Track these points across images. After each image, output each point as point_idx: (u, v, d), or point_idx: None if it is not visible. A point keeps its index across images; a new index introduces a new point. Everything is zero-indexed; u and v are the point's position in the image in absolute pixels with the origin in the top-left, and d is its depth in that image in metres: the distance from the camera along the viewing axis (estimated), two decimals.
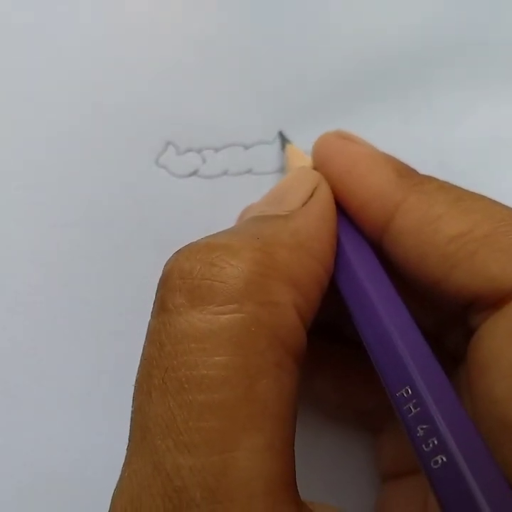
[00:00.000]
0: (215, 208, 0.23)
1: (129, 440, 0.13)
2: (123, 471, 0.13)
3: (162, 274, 0.15)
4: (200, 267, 0.14)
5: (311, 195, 0.17)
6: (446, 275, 0.15)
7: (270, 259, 0.14)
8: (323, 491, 0.22)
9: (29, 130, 0.24)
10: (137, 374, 0.14)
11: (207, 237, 0.15)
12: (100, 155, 0.23)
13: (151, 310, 0.22)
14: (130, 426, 0.13)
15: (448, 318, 0.18)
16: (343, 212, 0.18)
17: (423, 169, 0.23)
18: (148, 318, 0.22)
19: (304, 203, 0.16)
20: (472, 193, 0.16)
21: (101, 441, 0.22)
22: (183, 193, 0.23)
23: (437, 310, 0.17)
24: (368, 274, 0.16)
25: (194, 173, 0.23)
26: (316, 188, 0.17)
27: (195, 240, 0.15)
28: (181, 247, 0.15)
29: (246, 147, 0.24)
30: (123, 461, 0.22)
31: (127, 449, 0.13)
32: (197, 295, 0.13)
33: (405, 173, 0.17)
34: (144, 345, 0.14)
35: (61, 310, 0.22)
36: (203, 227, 0.23)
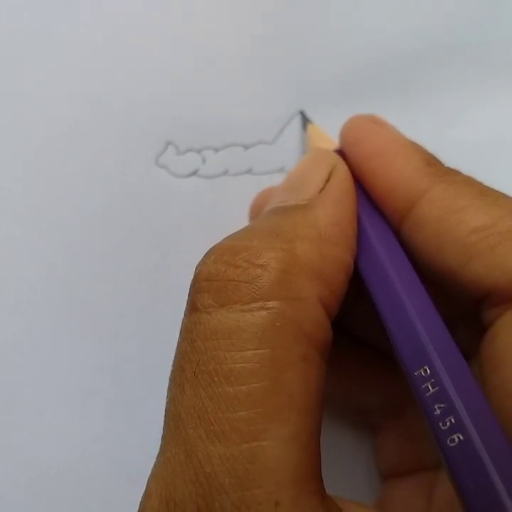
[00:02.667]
0: (215, 208, 0.23)
1: (164, 429, 0.14)
2: (158, 457, 0.14)
3: (194, 276, 0.15)
4: (226, 269, 0.15)
5: (328, 179, 0.17)
6: (464, 266, 0.15)
7: (291, 256, 0.15)
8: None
9: (29, 130, 0.23)
10: (172, 368, 0.15)
11: (230, 237, 0.16)
12: (100, 155, 0.23)
13: (150, 309, 0.23)
14: (164, 415, 0.14)
15: (459, 312, 0.18)
16: (364, 193, 0.18)
17: None
18: (148, 317, 0.23)
19: (322, 189, 0.17)
20: (496, 190, 0.17)
21: (101, 441, 0.22)
22: (183, 193, 0.23)
23: (449, 303, 0.17)
24: (389, 255, 0.16)
25: (194, 173, 0.23)
26: (332, 170, 0.17)
27: (218, 242, 0.16)
28: (209, 249, 0.16)
29: (246, 147, 0.24)
30: (123, 461, 0.22)
31: (162, 437, 0.14)
32: (223, 295, 0.14)
33: (433, 162, 0.17)
34: (178, 342, 0.15)
35: (61, 310, 0.22)
36: (203, 227, 0.23)
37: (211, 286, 0.14)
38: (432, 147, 0.24)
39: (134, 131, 0.24)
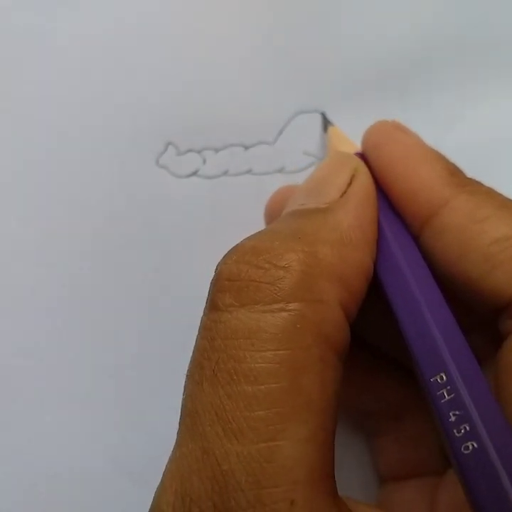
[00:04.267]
0: (216, 208, 0.23)
1: (180, 424, 0.14)
2: (173, 452, 0.14)
3: (214, 276, 0.15)
4: (248, 269, 0.15)
5: (350, 183, 0.17)
6: (485, 275, 0.16)
7: (313, 258, 0.15)
8: None
9: (29, 130, 0.24)
10: (190, 363, 0.15)
11: (252, 237, 0.16)
12: (100, 155, 0.23)
13: (150, 309, 0.23)
14: (181, 411, 0.14)
15: (473, 318, 0.18)
16: (385, 198, 0.18)
17: None
18: (149, 317, 0.23)
19: (343, 192, 0.17)
20: None
21: (101, 441, 0.22)
22: (184, 193, 0.23)
23: (464, 309, 0.17)
24: (408, 260, 0.16)
25: (194, 173, 0.23)
26: (354, 174, 0.17)
27: (241, 241, 0.16)
28: (230, 249, 0.16)
29: (246, 147, 0.24)
30: (123, 461, 0.22)
31: (178, 433, 0.14)
32: (245, 295, 0.14)
33: (456, 172, 0.17)
34: (197, 339, 0.15)
35: (61, 310, 0.22)
36: (204, 227, 0.23)
37: (232, 286, 0.15)
38: (433, 146, 0.24)
39: (135, 131, 0.24)
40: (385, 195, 0.18)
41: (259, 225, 0.22)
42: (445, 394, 0.14)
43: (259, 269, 0.14)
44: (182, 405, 0.14)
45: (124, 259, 0.23)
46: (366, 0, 0.25)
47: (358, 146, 0.20)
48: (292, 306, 0.14)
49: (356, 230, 0.16)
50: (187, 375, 0.15)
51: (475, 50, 0.25)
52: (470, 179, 0.17)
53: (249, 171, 0.23)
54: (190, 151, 0.24)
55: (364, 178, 0.17)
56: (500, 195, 0.17)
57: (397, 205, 0.17)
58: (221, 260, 0.16)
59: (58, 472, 0.21)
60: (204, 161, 0.23)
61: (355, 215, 0.16)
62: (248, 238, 0.16)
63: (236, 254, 0.15)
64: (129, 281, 0.23)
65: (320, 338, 0.14)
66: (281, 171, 0.23)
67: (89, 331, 0.22)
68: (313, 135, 0.24)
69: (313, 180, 0.18)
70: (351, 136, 0.24)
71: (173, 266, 0.23)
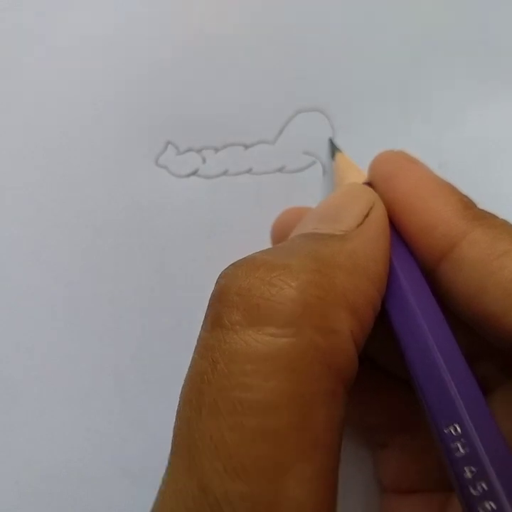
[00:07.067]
0: (215, 208, 0.23)
1: (172, 453, 0.13)
2: (164, 484, 0.13)
3: (217, 289, 0.14)
4: (260, 285, 0.13)
5: (367, 215, 0.16)
6: (506, 311, 0.15)
7: (329, 283, 0.14)
8: None
9: (29, 130, 0.23)
10: (184, 386, 0.13)
11: (265, 252, 0.15)
12: (100, 155, 0.23)
13: (150, 309, 0.23)
14: (174, 439, 0.13)
15: (483, 346, 0.18)
16: (396, 232, 0.17)
17: None
18: (149, 317, 0.22)
19: (360, 223, 0.16)
20: None
21: (101, 441, 0.22)
22: (183, 192, 0.23)
23: (475, 338, 0.17)
24: (419, 300, 0.16)
25: (194, 172, 0.23)
26: (371, 207, 0.17)
27: (250, 254, 0.15)
28: (237, 260, 0.15)
29: (246, 147, 0.24)
30: (123, 460, 0.22)
31: (169, 462, 0.13)
32: (255, 314, 0.13)
33: (470, 205, 0.17)
34: (194, 358, 0.14)
35: (61, 310, 0.22)
36: (203, 226, 0.23)
37: (241, 302, 0.13)
38: (432, 147, 0.24)
39: (134, 131, 0.24)
40: (395, 229, 0.17)
41: (259, 225, 0.22)
42: (459, 447, 0.13)
43: (273, 287, 0.13)
44: (175, 432, 0.13)
45: (124, 258, 0.23)
46: (366, 0, 0.25)
47: (365, 174, 0.19)
48: (306, 332, 0.13)
49: (371, 261, 0.15)
50: (181, 398, 0.13)
51: (475, 50, 0.25)
52: (485, 212, 0.17)
53: (249, 171, 0.23)
54: (189, 150, 0.23)
55: (381, 212, 0.17)
56: None
57: (411, 239, 0.17)
58: (227, 271, 0.14)
59: (57, 472, 0.21)
60: (204, 161, 0.23)
61: (370, 247, 0.16)
62: (261, 252, 0.15)
63: (247, 267, 0.14)
64: (128, 281, 0.23)
65: (330, 369, 0.13)
66: (281, 170, 0.23)
67: (89, 331, 0.22)
68: (313, 134, 0.24)
69: (329, 207, 0.17)
70: (351, 135, 0.24)
71: (172, 266, 0.23)
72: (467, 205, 0.17)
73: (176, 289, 0.23)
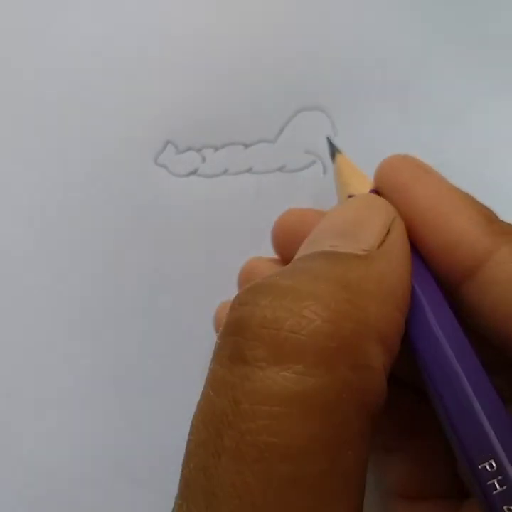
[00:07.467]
0: (215, 207, 0.23)
1: (184, 499, 0.12)
2: None
3: (236, 318, 0.13)
4: (288, 317, 0.12)
5: (388, 232, 0.15)
6: None
7: (362, 315, 0.13)
8: None
9: (28, 129, 0.23)
10: (197, 426, 0.12)
11: (283, 277, 0.13)
12: (99, 154, 0.23)
13: (150, 309, 0.23)
14: (185, 482, 0.12)
15: (501, 359, 0.17)
16: (415, 250, 0.16)
17: None
18: (148, 317, 0.22)
19: (382, 242, 0.15)
20: None
21: (101, 442, 0.22)
22: (183, 192, 0.23)
23: (492, 351, 0.16)
24: (442, 324, 0.15)
25: (194, 172, 0.23)
26: (392, 223, 0.15)
27: (269, 277, 0.13)
28: (256, 284, 0.13)
29: (246, 146, 0.24)
30: (123, 460, 0.22)
31: (180, 507, 0.12)
32: (283, 350, 0.12)
33: (493, 219, 0.16)
34: (208, 395, 0.12)
35: (61, 309, 0.22)
36: (203, 226, 0.23)
37: (268, 336, 0.12)
38: (432, 147, 0.24)
39: (133, 130, 0.23)
40: (413, 245, 0.16)
41: (259, 225, 0.22)
42: (496, 484, 0.12)
43: (303, 319, 0.12)
44: (187, 475, 0.12)
45: (123, 258, 0.23)
46: (367, 0, 0.25)
47: (370, 180, 0.18)
48: (339, 370, 0.12)
49: (398, 286, 0.14)
50: (193, 438, 0.12)
51: (476, 48, 0.25)
52: (509, 225, 0.16)
53: (249, 170, 0.23)
54: (189, 149, 0.23)
55: (402, 229, 0.16)
56: None
57: (431, 256, 0.16)
58: (246, 298, 0.13)
59: (58, 474, 0.21)
60: (203, 160, 0.23)
61: (395, 269, 0.14)
62: (279, 275, 0.13)
63: (270, 294, 0.13)
64: (128, 281, 0.23)
65: (363, 409, 0.12)
66: (281, 169, 0.23)
67: (89, 332, 0.22)
68: (314, 133, 0.24)
69: (346, 222, 0.16)
70: (352, 134, 0.24)
71: (172, 265, 0.23)
72: (490, 218, 0.16)
73: (176, 288, 0.23)
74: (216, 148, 0.23)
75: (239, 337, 0.12)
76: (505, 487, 0.12)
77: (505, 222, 0.16)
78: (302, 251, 0.15)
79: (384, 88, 0.24)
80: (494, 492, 0.12)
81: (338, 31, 0.25)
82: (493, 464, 0.13)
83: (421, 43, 0.25)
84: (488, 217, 0.16)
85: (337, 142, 0.22)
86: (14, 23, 0.24)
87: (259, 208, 0.22)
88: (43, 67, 0.24)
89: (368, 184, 0.18)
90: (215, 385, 0.12)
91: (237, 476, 0.11)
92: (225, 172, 0.23)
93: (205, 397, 0.12)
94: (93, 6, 0.24)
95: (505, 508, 0.12)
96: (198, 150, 0.23)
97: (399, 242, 0.15)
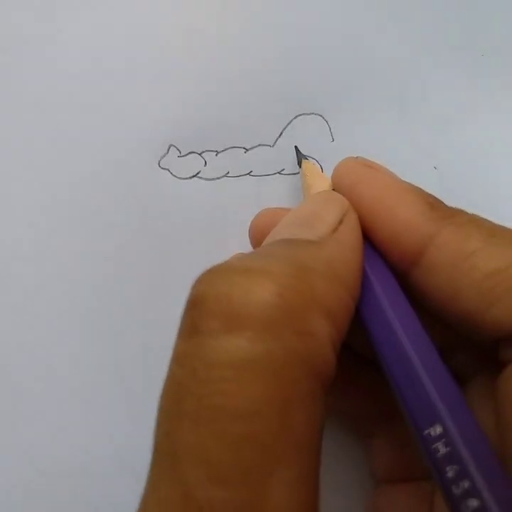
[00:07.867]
0: (216, 209, 0.23)
1: (154, 463, 0.13)
2: (147, 494, 0.13)
3: (194, 295, 0.14)
4: (238, 291, 0.13)
5: (341, 221, 0.16)
6: (483, 311, 0.15)
7: (308, 288, 0.14)
8: None
9: (30, 130, 0.24)
10: (163, 396, 0.13)
11: (242, 258, 0.15)
12: (103, 157, 0.24)
13: (152, 309, 0.23)
14: (154, 448, 0.13)
15: (456, 340, 0.18)
16: (368, 240, 0.17)
17: (419, 172, 0.23)
18: (150, 317, 0.23)
19: (335, 230, 0.16)
20: (503, 227, 0.16)
21: (103, 440, 0.22)
22: (185, 194, 0.23)
23: (446, 331, 0.17)
24: (393, 305, 0.16)
25: (196, 174, 0.24)
26: (344, 214, 0.17)
27: (226, 261, 0.14)
28: (213, 266, 0.14)
29: (246, 149, 0.24)
30: (126, 459, 0.22)
31: (151, 471, 0.13)
32: (233, 320, 0.13)
33: (436, 205, 0.17)
34: (171, 367, 0.13)
35: (62, 310, 0.22)
36: (205, 228, 0.23)
37: (220, 309, 0.13)
38: (428, 150, 0.24)
39: (137, 133, 0.24)
40: (366, 235, 0.17)
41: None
42: (440, 447, 0.13)
43: (252, 293, 0.13)
44: (155, 441, 0.13)
45: (126, 259, 0.23)
46: (366, 3, 0.25)
47: (330, 181, 0.19)
48: (285, 337, 0.13)
49: (346, 267, 0.15)
50: (160, 408, 0.13)
51: (473, 52, 0.25)
52: (452, 209, 0.17)
53: (249, 173, 0.24)
54: (191, 152, 0.24)
55: (354, 218, 0.17)
56: (486, 221, 0.16)
57: (380, 246, 0.17)
58: (203, 278, 0.14)
59: (62, 469, 0.21)
60: (205, 163, 0.24)
61: (345, 254, 0.16)
62: (236, 257, 0.15)
63: (224, 273, 0.14)
64: (130, 282, 0.23)
65: (310, 373, 0.13)
66: (280, 172, 0.24)
67: (92, 329, 0.22)
68: (312, 137, 0.24)
69: (304, 213, 0.17)
70: (350, 138, 0.24)
71: (174, 266, 0.23)
72: (433, 205, 0.17)
73: (178, 289, 0.23)
74: (217, 152, 0.24)
75: (196, 312, 0.13)
76: (449, 449, 0.13)
77: (449, 207, 0.17)
78: (266, 241, 0.17)
79: (381, 92, 0.25)
80: (438, 454, 0.13)
81: (335, 36, 0.25)
82: (438, 429, 0.13)
83: (418, 47, 0.25)
84: (432, 204, 0.17)
85: (335, 146, 0.22)
86: (16, 26, 0.24)
87: (259, 209, 0.23)
88: (45, 70, 0.24)
89: (329, 185, 0.19)
90: (176, 357, 0.13)
91: (195, 436, 0.12)
92: (226, 175, 0.24)
93: (169, 370, 0.13)
94: (96, 10, 0.24)
95: (447, 468, 0.13)
96: (200, 153, 0.24)
97: (349, 230, 0.16)
